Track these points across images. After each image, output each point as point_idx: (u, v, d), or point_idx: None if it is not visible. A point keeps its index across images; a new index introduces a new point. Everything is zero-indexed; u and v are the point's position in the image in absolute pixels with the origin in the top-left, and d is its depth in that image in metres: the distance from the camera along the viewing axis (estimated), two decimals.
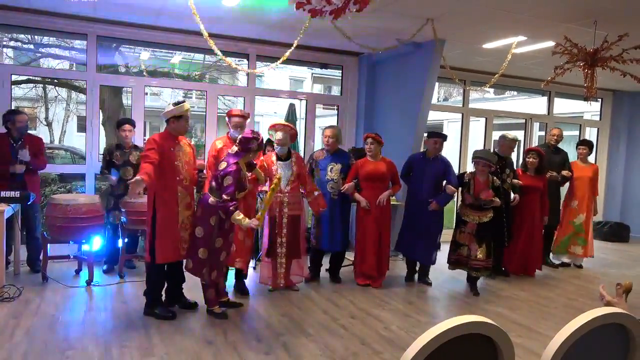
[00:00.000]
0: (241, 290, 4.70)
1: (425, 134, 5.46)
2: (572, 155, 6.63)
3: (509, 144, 5.67)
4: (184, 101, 4.10)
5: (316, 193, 4.85)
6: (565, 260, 6.49)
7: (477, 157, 5.01)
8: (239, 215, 3.81)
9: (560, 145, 6.38)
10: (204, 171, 4.24)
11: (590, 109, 9.68)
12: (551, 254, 6.50)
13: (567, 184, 6.45)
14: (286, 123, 4.91)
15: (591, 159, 6.89)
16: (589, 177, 6.37)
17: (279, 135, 4.75)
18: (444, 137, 5.25)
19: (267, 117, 17.17)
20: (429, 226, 5.16)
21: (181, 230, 4.01)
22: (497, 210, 5.19)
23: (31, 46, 10.13)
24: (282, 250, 4.71)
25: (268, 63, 6.32)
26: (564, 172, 6.18)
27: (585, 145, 6.50)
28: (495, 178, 5.03)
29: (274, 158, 4.78)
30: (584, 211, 6.35)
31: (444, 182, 5.18)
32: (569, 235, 6.38)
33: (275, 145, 4.84)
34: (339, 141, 5.26)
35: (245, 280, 4.79)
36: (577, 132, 9.37)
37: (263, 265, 4.86)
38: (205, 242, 3.95)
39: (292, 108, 8.37)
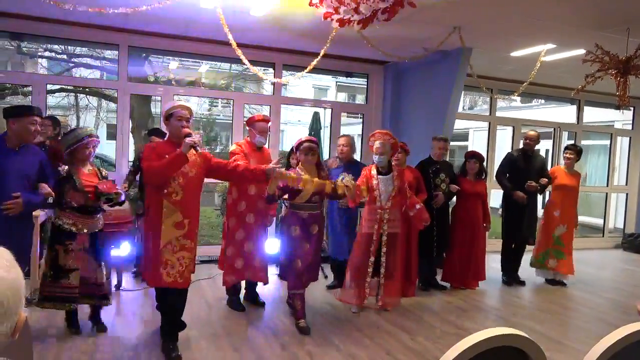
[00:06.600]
0: (253, 300, 4.67)
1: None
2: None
3: (437, 145, 5.33)
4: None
5: (418, 206, 4.54)
6: (549, 277, 5.87)
7: None
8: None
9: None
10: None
11: (622, 118, 9.43)
12: (535, 270, 5.92)
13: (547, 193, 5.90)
14: (385, 131, 4.60)
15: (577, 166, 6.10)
16: (574, 186, 5.81)
17: (377, 144, 4.46)
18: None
19: (290, 125, 17.28)
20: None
21: (165, 252, 3.31)
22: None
23: (64, 56, 10.46)
24: (382, 270, 4.47)
25: (294, 72, 6.38)
26: (542, 180, 5.66)
27: (572, 150, 5.82)
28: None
29: (374, 172, 4.51)
30: (566, 222, 5.77)
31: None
32: (549, 247, 5.78)
33: (373, 156, 4.55)
34: (353, 150, 5.20)
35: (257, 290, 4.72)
36: (607, 142, 9.16)
37: (349, 283, 4.57)
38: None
39: (316, 116, 8.43)
